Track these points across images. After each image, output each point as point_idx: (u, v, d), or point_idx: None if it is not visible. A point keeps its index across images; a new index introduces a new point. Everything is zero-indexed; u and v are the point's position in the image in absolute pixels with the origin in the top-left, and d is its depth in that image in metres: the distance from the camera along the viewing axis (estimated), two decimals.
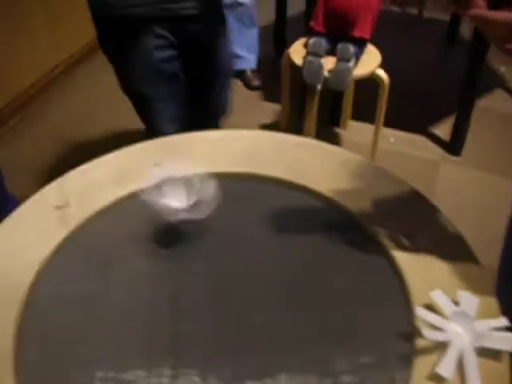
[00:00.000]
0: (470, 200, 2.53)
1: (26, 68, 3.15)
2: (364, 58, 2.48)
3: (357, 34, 2.41)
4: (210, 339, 0.97)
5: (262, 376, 0.90)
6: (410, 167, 1.19)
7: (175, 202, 1.12)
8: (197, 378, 0.90)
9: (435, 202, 1.20)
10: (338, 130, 2.96)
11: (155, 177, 1.14)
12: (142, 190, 1.12)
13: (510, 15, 0.83)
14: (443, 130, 2.94)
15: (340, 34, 2.42)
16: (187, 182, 1.14)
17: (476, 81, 2.66)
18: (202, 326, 0.99)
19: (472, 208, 2.46)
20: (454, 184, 2.62)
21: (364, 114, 2.92)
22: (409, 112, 3.06)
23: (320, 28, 2.45)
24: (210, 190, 1.12)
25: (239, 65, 3.33)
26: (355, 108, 2.91)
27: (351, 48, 2.36)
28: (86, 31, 2.74)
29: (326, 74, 2.39)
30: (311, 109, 2.54)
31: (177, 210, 1.11)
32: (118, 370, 0.92)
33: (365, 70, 2.46)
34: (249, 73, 3.38)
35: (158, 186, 1.13)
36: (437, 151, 2.84)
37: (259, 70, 3.41)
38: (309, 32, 2.56)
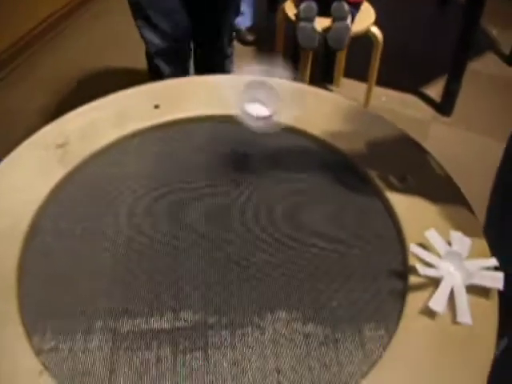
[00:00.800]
0: (457, 159, 2.55)
1: (24, 15, 3.08)
2: (358, 15, 2.47)
3: None
4: (210, 277, 0.99)
5: (262, 311, 0.93)
6: (400, 126, 1.22)
7: (260, 109, 1.14)
8: (197, 314, 0.93)
9: None
10: (330, 86, 2.96)
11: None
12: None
13: None
14: (434, 90, 2.96)
15: None
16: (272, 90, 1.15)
17: (469, 43, 2.66)
18: (201, 263, 1.01)
19: (459, 167, 2.48)
20: (443, 143, 2.63)
21: (357, 72, 2.92)
22: (401, 71, 3.06)
23: None
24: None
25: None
26: (348, 66, 2.92)
27: (346, 6, 2.35)
28: None
29: (321, 34, 2.38)
30: (305, 66, 2.54)
31: (260, 118, 1.13)
32: (119, 304, 0.94)
33: (359, 28, 2.45)
34: (243, 29, 3.35)
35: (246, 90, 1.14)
36: (428, 111, 2.86)
37: (253, 26, 3.38)
38: None
